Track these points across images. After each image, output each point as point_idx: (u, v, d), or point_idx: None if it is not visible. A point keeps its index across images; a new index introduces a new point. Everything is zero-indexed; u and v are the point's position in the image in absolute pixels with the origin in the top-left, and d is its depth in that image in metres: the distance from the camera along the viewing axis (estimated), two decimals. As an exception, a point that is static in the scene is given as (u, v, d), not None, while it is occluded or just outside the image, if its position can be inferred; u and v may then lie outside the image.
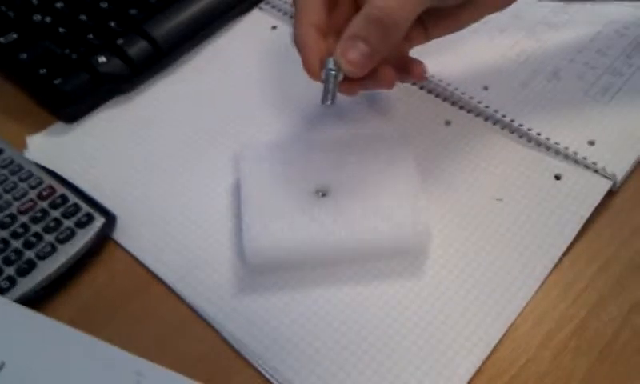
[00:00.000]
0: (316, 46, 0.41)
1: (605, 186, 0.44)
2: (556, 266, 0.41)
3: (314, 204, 0.41)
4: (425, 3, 0.40)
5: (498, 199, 0.44)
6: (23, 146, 0.48)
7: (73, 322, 0.38)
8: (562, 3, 0.55)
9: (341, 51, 0.40)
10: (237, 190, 0.44)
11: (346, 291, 0.40)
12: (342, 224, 0.41)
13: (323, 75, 0.41)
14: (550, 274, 0.41)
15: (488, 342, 0.38)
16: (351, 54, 0.40)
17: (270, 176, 0.43)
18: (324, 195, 0.42)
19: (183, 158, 0.47)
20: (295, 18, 0.43)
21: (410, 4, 0.39)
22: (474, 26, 0.44)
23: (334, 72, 0.41)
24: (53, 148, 0.48)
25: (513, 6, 0.54)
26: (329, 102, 0.41)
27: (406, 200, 0.42)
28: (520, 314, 0.39)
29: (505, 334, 0.38)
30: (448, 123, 0.48)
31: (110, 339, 0.37)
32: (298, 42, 0.42)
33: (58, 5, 0.53)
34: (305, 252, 0.41)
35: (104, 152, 0.48)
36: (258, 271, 0.41)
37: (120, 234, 0.43)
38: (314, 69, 0.41)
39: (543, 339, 0.38)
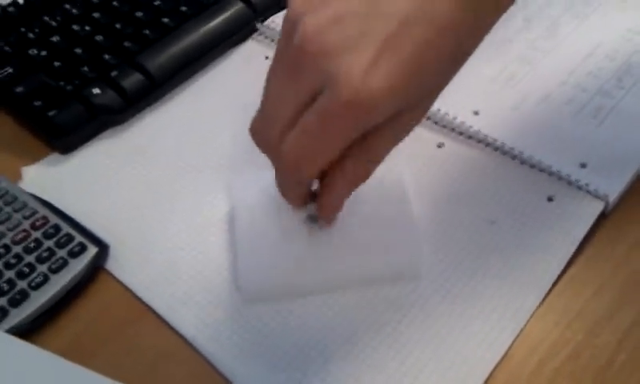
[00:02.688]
0: None
1: (597, 207, 0.43)
2: (550, 289, 0.41)
3: (306, 232, 0.41)
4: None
5: (491, 221, 0.44)
6: (19, 177, 0.48)
7: (64, 353, 0.38)
8: (551, 28, 0.55)
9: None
10: (230, 218, 0.44)
11: (339, 320, 0.40)
12: (335, 253, 0.41)
13: None
14: (545, 298, 0.40)
15: (482, 370, 0.37)
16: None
17: (264, 205, 0.43)
18: (317, 222, 0.42)
19: (177, 187, 0.47)
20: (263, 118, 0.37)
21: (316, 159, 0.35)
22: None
23: None
24: (48, 179, 0.48)
25: (503, 32, 0.55)
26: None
27: (399, 227, 0.42)
28: (515, 341, 0.39)
29: (498, 362, 0.38)
30: (440, 146, 0.48)
31: (102, 370, 0.37)
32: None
33: (54, 39, 0.54)
34: (299, 281, 0.41)
35: (98, 182, 0.48)
36: (252, 300, 0.41)
37: (113, 264, 0.43)
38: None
39: (537, 366, 0.38)
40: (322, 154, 0.34)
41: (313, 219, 0.42)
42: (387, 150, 0.36)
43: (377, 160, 0.36)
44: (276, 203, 0.42)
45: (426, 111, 0.36)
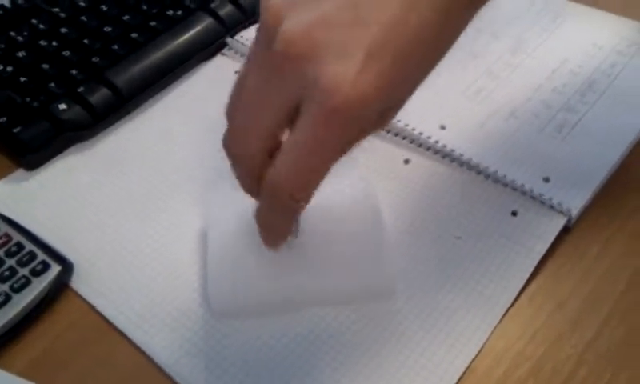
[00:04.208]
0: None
1: (560, 222, 0.44)
2: (514, 303, 0.41)
3: (279, 251, 0.41)
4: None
5: (456, 237, 0.44)
6: (-17, 194, 0.48)
7: (26, 373, 0.38)
8: (518, 43, 0.56)
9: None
10: (203, 235, 0.44)
11: (312, 339, 0.40)
12: (307, 272, 0.41)
13: None
14: (508, 311, 0.41)
15: (446, 383, 0.38)
16: (265, 238, 0.38)
17: (237, 223, 0.43)
18: (289, 241, 0.41)
19: (144, 204, 0.47)
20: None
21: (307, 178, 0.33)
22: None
23: None
24: (13, 195, 0.48)
25: (471, 46, 0.56)
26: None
27: (372, 247, 0.42)
28: (478, 353, 0.39)
29: (462, 375, 0.38)
30: (407, 162, 0.48)
31: (65, 390, 0.37)
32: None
33: (20, 54, 0.53)
34: (270, 299, 0.41)
35: (64, 199, 0.47)
36: (222, 317, 0.41)
37: (78, 282, 0.43)
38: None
39: (500, 379, 0.38)
40: (317, 171, 0.33)
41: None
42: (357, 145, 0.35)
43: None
44: (249, 221, 0.42)
45: (402, 106, 0.36)
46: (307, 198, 0.34)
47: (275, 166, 0.33)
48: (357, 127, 0.32)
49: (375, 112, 0.32)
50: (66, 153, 0.50)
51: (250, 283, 0.41)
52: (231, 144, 0.35)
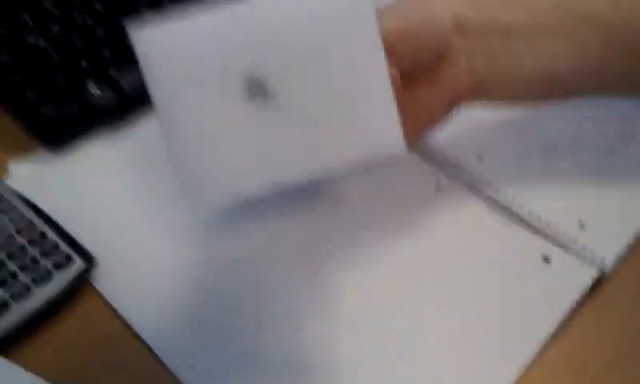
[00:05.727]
0: None
1: (592, 273, 0.43)
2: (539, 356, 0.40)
3: (251, 111, 0.33)
4: None
5: (481, 277, 0.43)
6: (5, 172, 0.46)
7: (41, 370, 0.37)
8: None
9: None
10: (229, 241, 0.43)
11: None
12: (294, 137, 0.33)
13: None
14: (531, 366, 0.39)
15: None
16: None
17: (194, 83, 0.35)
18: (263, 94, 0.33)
19: (172, 201, 0.45)
20: None
21: None
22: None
23: None
24: (36, 177, 0.46)
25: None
26: None
27: (376, 96, 0.33)
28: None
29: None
30: (439, 190, 0.47)
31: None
32: None
33: (54, 28, 0.51)
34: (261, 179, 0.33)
35: (90, 187, 0.46)
36: (216, 207, 0.34)
37: (99, 278, 0.42)
38: None
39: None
40: None
41: (254, 89, 0.33)
42: None
43: None
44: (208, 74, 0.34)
45: None
46: None
47: None
48: None
49: None
50: (94, 138, 0.49)
51: (231, 165, 0.33)
52: None
